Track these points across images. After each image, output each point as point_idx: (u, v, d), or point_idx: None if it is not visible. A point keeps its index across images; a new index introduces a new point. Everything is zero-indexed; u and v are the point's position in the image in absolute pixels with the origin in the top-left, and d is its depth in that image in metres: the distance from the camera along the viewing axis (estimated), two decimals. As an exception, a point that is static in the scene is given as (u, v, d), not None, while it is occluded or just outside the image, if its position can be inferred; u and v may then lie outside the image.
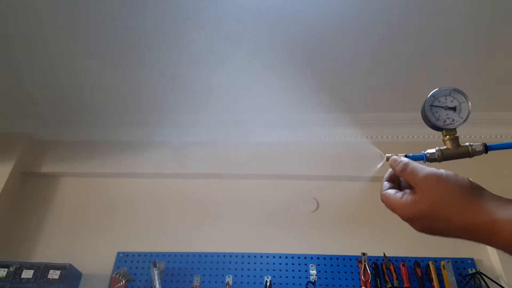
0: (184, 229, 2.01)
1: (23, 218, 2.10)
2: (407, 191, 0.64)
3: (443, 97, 0.68)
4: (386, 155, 0.70)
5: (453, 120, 0.67)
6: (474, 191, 0.57)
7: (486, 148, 0.65)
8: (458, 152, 0.66)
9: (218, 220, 2.03)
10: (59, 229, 2.06)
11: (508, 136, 2.12)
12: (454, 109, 0.68)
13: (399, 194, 0.64)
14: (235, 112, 2.18)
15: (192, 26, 1.66)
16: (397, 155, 0.68)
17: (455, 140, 0.67)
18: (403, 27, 1.66)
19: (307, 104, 2.12)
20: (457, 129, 0.68)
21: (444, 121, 0.67)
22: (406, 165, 0.64)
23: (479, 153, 0.65)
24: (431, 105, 0.68)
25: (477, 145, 0.65)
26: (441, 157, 0.66)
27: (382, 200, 0.68)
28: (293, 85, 1.97)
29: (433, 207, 0.58)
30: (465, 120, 0.67)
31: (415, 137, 2.12)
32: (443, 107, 0.68)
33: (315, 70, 1.89)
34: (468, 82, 1.91)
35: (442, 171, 0.61)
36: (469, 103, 0.67)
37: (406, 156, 0.67)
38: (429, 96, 0.69)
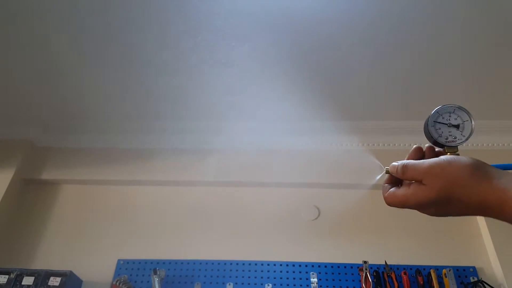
0: (185, 237, 2.01)
1: (23, 225, 2.10)
2: (412, 183, 0.64)
3: (447, 114, 0.69)
4: (386, 167, 0.71)
5: (455, 138, 0.68)
6: (481, 168, 0.58)
7: None
8: None
9: (219, 228, 2.03)
10: (60, 236, 2.06)
11: (510, 145, 2.11)
12: (457, 127, 0.68)
13: (403, 188, 0.65)
14: (236, 119, 2.19)
15: (191, 33, 1.67)
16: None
17: None
18: (402, 35, 1.66)
19: (308, 112, 2.12)
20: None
21: (446, 138, 0.68)
22: (405, 166, 0.65)
23: None
24: (435, 121, 0.69)
25: None
26: None
27: (387, 201, 0.68)
28: (293, 92, 1.98)
29: (444, 193, 0.59)
30: (467, 139, 0.68)
31: (417, 145, 2.13)
32: (447, 124, 0.68)
33: (315, 77, 1.90)
34: (468, 89, 1.92)
35: (443, 158, 0.62)
36: (473, 122, 0.68)
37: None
38: (433, 112, 0.70)
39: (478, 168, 0.58)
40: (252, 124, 2.20)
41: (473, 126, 0.68)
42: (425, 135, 0.70)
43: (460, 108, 0.69)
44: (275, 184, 2.13)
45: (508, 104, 2.01)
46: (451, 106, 0.69)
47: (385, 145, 2.17)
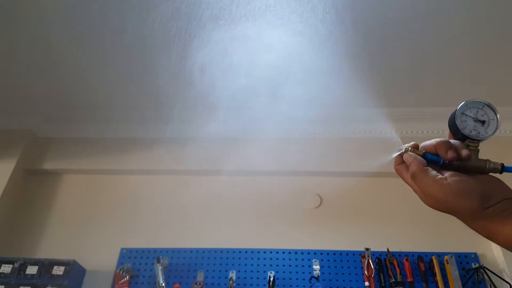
0: (188, 225, 2.02)
1: (26, 215, 2.11)
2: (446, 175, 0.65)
3: (475, 109, 0.69)
4: (405, 145, 0.71)
5: (479, 133, 0.68)
6: (482, 207, 0.61)
7: (502, 169, 0.67)
8: (475, 165, 0.67)
9: (222, 216, 2.04)
10: (63, 225, 2.07)
11: (508, 131, 2.11)
12: (482, 123, 0.69)
13: (411, 181, 0.68)
14: (239, 107, 2.18)
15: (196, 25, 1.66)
16: (415, 152, 0.69)
17: (475, 152, 0.68)
18: (403, 24, 1.65)
19: (310, 101, 2.11)
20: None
21: (470, 131, 0.68)
22: (414, 175, 0.66)
23: (494, 170, 0.67)
24: (462, 113, 0.69)
25: (495, 163, 0.67)
26: (458, 164, 0.67)
27: (397, 172, 0.71)
28: (294, 79, 1.97)
29: (442, 210, 0.65)
30: (490, 136, 0.68)
31: (419, 132, 2.12)
32: (473, 118, 0.69)
33: (316, 65, 1.88)
34: (467, 75, 1.91)
35: (450, 186, 0.62)
36: (498, 122, 0.68)
37: (424, 155, 0.68)
38: (462, 103, 0.70)
39: (480, 208, 0.61)
40: (254, 114, 2.19)
41: (498, 125, 0.68)
42: (449, 125, 0.70)
43: (489, 105, 0.70)
44: (277, 172, 2.13)
45: (509, 90, 2.00)
46: (481, 102, 0.70)
47: (387, 133, 2.15)
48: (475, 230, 0.63)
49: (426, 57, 1.82)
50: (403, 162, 0.71)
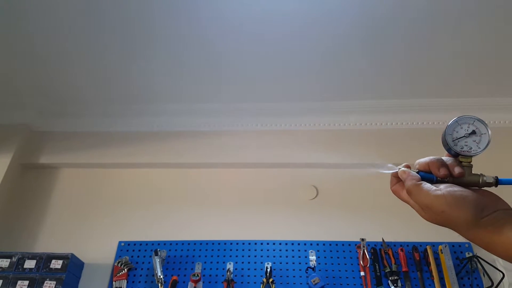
0: (185, 218, 2.03)
1: (23, 209, 2.11)
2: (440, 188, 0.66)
3: (465, 125, 0.70)
4: (399, 167, 0.72)
5: (471, 148, 0.69)
6: (477, 217, 0.62)
7: (497, 182, 0.67)
8: (469, 180, 0.68)
9: (219, 208, 2.05)
10: (60, 219, 2.07)
11: (506, 122, 2.12)
12: (474, 138, 0.70)
13: (406, 196, 0.70)
14: (235, 100, 2.18)
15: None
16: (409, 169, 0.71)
17: (468, 168, 0.69)
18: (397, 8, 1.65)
19: (306, 92, 2.12)
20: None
21: (462, 148, 0.69)
22: (409, 191, 0.68)
23: (488, 184, 0.67)
24: (453, 130, 0.70)
25: (489, 177, 0.68)
26: (451, 181, 0.68)
27: (393, 193, 0.73)
28: (291, 72, 1.97)
29: (439, 223, 0.66)
30: (482, 151, 0.69)
31: (415, 123, 2.12)
32: (464, 134, 0.70)
33: (309, 57, 1.89)
34: (464, 65, 1.91)
35: (444, 196, 0.64)
36: (490, 136, 0.69)
37: (417, 173, 0.69)
38: (452, 121, 0.71)
39: (475, 218, 0.62)
40: (251, 105, 2.20)
41: (490, 139, 0.69)
42: (442, 142, 0.71)
43: (480, 120, 0.70)
44: (273, 164, 2.14)
45: (507, 81, 2.00)
46: (471, 118, 0.71)
47: (382, 124, 2.16)
48: (472, 241, 0.64)
49: (424, 49, 1.82)
50: (398, 182, 0.73)
